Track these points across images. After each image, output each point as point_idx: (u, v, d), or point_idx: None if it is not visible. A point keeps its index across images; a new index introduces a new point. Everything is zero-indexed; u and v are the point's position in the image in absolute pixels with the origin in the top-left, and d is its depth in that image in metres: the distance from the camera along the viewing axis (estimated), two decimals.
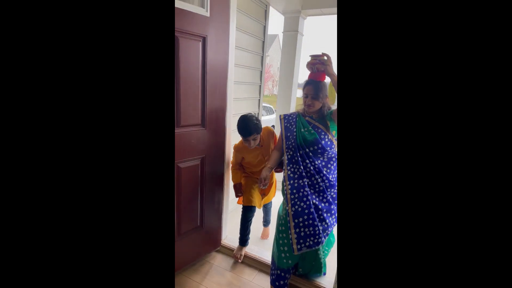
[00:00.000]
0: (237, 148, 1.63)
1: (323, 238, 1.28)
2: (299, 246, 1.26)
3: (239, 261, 1.65)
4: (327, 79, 1.31)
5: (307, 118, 1.38)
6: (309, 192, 1.28)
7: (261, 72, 2.53)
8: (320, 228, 1.27)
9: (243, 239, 1.67)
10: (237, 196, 1.71)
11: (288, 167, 1.34)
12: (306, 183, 1.29)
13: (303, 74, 2.91)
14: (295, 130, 1.37)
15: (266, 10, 2.42)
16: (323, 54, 1.25)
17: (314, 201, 1.28)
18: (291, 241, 1.28)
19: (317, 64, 1.24)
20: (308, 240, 1.26)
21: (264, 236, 2.00)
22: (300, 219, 1.26)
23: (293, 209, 1.28)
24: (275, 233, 1.42)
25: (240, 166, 1.70)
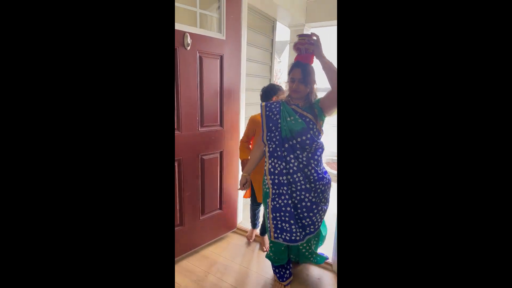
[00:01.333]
0: (252, 119, 1.67)
1: (301, 237, 1.28)
2: (275, 235, 1.30)
3: (251, 240, 1.95)
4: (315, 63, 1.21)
5: (292, 106, 1.25)
6: (288, 191, 1.25)
7: (270, 79, 2.85)
8: (299, 225, 1.27)
9: (254, 223, 1.96)
10: (241, 185, 1.77)
11: (270, 160, 1.27)
12: (285, 181, 1.24)
13: None
14: (279, 120, 1.25)
15: (273, 25, 2.76)
16: (313, 34, 1.14)
17: (294, 200, 1.26)
18: (269, 229, 1.32)
19: (306, 44, 1.14)
20: (284, 234, 1.28)
21: None
22: (277, 214, 1.28)
23: (272, 203, 1.29)
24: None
25: (248, 143, 1.74)
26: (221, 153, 1.82)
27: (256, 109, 2.65)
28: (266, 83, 2.80)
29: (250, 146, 1.76)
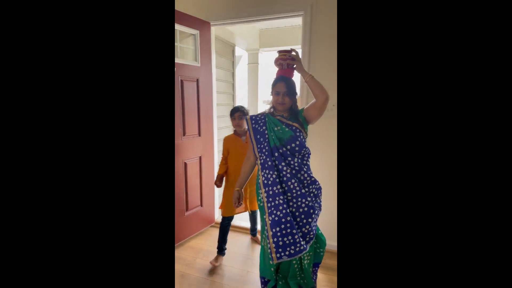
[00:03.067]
0: (226, 139, 1.83)
1: (305, 245, 1.22)
2: (278, 255, 1.20)
3: (216, 265, 1.82)
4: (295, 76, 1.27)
5: (278, 117, 1.30)
6: (285, 200, 1.21)
7: (233, 95, 3.32)
8: (300, 234, 1.22)
9: (221, 247, 1.87)
10: (216, 185, 1.88)
11: (262, 173, 1.27)
12: (280, 190, 1.22)
13: (262, 94, 3.78)
14: (266, 131, 1.29)
15: (233, 50, 3.24)
16: (292, 50, 1.21)
17: (292, 208, 1.23)
18: (269, 250, 1.22)
19: (288, 60, 1.22)
20: (288, 249, 1.19)
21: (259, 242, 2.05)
22: (277, 229, 1.20)
23: (270, 218, 1.22)
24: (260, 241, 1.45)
25: (226, 161, 1.86)
26: (200, 158, 2.18)
27: (224, 121, 3.07)
28: (230, 98, 3.25)
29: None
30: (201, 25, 2.04)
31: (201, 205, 2.26)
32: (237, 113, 1.77)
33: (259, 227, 2.09)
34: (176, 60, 1.86)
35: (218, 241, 1.88)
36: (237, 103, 3.23)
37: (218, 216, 2.52)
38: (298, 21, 2.35)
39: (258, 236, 2.09)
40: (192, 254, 1.99)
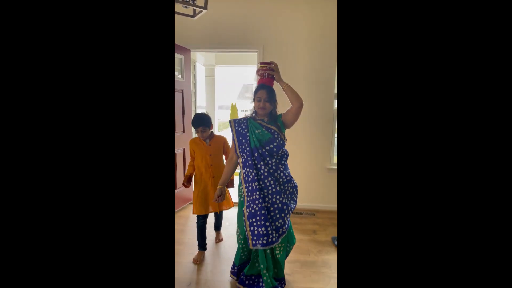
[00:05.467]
0: (191, 141, 1.90)
1: (277, 238, 1.38)
2: (254, 242, 1.36)
3: (198, 263, 1.86)
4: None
5: (258, 121, 1.44)
6: (261, 196, 1.36)
7: (195, 102, 4.05)
8: (273, 227, 1.38)
9: (203, 244, 1.94)
10: (184, 185, 1.96)
11: (244, 170, 1.42)
12: (257, 187, 1.36)
13: (217, 101, 4.65)
14: (247, 133, 1.43)
15: (194, 65, 3.99)
16: (272, 62, 1.38)
17: (267, 204, 1.38)
18: (247, 237, 1.40)
19: (268, 70, 1.37)
20: (261, 239, 1.35)
21: (217, 240, 2.20)
22: (253, 220, 1.36)
23: (248, 210, 1.39)
24: (236, 232, 1.61)
25: (193, 162, 1.93)
26: (184, 150, 2.89)
27: None
28: (192, 105, 3.94)
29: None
30: (185, 51, 2.77)
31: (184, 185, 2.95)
32: (200, 127, 1.79)
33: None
34: None
35: (198, 239, 1.93)
36: (198, 109, 3.96)
37: None
38: None
39: (220, 233, 2.24)
40: (183, 220, 2.67)
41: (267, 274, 1.47)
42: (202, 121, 1.79)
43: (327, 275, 1.74)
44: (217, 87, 4.58)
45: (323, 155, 2.83)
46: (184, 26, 2.70)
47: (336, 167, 2.84)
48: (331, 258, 1.93)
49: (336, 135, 2.90)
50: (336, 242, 2.17)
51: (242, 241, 1.59)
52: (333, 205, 2.88)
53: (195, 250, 2.02)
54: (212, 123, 1.89)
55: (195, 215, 1.94)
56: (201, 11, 1.72)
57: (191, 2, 1.66)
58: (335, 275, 1.76)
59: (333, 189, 2.85)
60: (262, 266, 1.48)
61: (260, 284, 1.55)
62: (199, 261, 1.88)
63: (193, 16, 1.80)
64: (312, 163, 2.85)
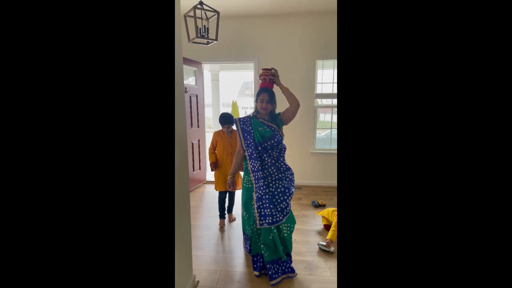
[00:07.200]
0: (216, 133, 2.41)
1: (281, 217, 1.59)
2: (261, 222, 1.58)
3: (224, 226, 2.42)
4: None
5: (260, 119, 1.64)
6: (265, 183, 1.59)
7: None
8: (278, 209, 1.58)
9: (222, 213, 2.49)
10: (212, 170, 2.43)
11: (250, 162, 1.65)
12: (261, 175, 1.59)
13: (221, 99, 5.46)
14: (252, 130, 1.63)
15: (202, 71, 4.79)
16: (272, 68, 1.57)
17: (271, 189, 1.60)
18: (255, 218, 1.60)
19: (270, 76, 1.57)
20: (267, 219, 1.56)
21: (230, 220, 2.55)
22: (260, 203, 1.58)
23: (255, 195, 1.61)
24: (241, 210, 1.84)
25: (214, 150, 2.39)
26: (199, 140, 3.71)
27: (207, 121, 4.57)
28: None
29: (216, 151, 2.42)
30: (197, 64, 3.58)
31: (200, 168, 3.78)
32: (226, 125, 2.33)
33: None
34: (187, 83, 3.38)
35: (219, 210, 2.47)
36: (206, 107, 4.75)
37: (209, 177, 4.05)
38: None
39: (232, 214, 2.62)
40: (199, 196, 3.49)
41: (267, 252, 1.65)
42: (229, 120, 2.34)
43: (307, 223, 2.58)
44: (220, 87, 5.38)
45: (307, 142, 3.64)
46: (198, 46, 3.49)
47: (316, 152, 3.66)
48: (309, 213, 2.77)
49: (316, 126, 3.70)
50: (314, 204, 2.99)
51: (246, 217, 1.83)
52: (314, 181, 3.70)
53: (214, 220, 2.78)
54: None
55: (217, 191, 2.49)
56: (213, 42, 2.50)
57: (205, 36, 2.44)
58: (313, 226, 2.60)
59: (315, 168, 3.67)
60: (262, 245, 1.66)
61: (259, 258, 1.76)
62: (224, 226, 2.45)
63: (206, 44, 2.58)
64: (299, 148, 3.65)
